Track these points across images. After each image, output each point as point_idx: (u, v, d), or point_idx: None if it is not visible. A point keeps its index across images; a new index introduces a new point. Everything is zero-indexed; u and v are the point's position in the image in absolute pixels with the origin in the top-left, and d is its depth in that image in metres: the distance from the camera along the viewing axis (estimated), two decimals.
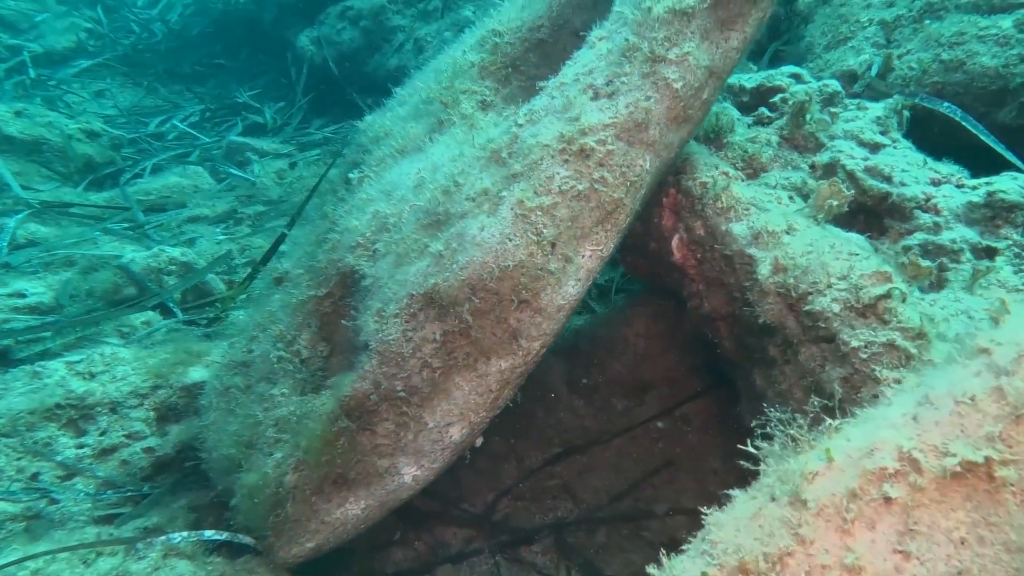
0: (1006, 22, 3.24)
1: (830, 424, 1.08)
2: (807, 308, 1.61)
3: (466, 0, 7.46)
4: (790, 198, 2.19)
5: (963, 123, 2.62)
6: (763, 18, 2.05)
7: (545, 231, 1.87)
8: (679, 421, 3.16)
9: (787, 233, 1.87)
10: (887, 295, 1.49)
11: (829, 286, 1.60)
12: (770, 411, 1.14)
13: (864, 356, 1.46)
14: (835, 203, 1.93)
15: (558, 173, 1.91)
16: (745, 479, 2.90)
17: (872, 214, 2.41)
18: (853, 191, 2.46)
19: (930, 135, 2.94)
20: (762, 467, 1.13)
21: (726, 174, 2.20)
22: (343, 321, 2.34)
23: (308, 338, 2.58)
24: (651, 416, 3.16)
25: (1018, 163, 2.35)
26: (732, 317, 2.17)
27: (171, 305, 4.44)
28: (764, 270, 1.80)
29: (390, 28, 8.02)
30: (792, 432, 1.09)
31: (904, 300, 1.50)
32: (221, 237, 5.82)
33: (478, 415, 2.03)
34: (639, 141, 1.94)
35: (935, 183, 2.41)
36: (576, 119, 1.97)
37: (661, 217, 2.32)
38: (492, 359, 1.97)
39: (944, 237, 2.20)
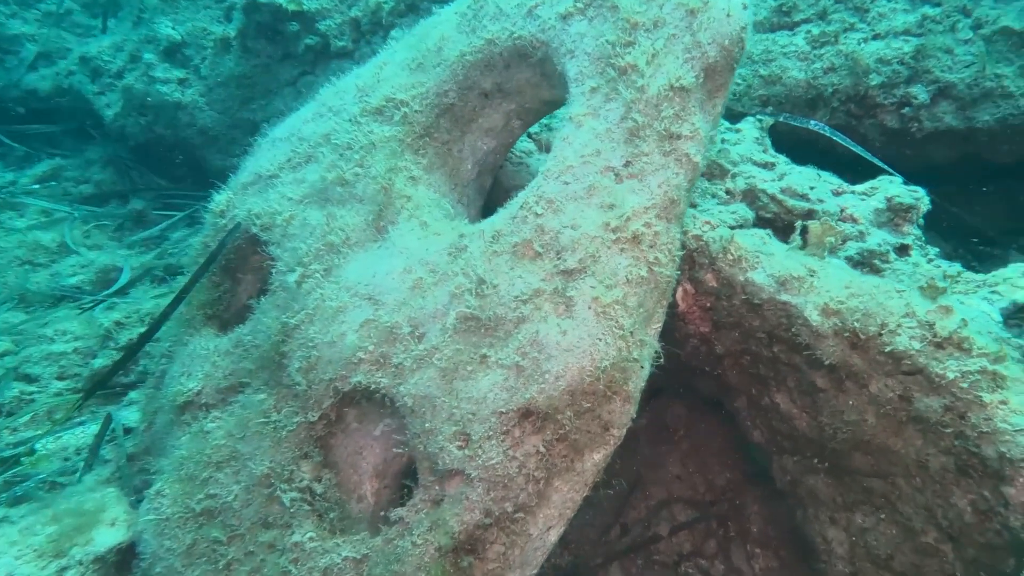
0: (799, 39, 3.84)
1: None
2: (888, 349, 1.85)
3: (158, 13, 6.74)
4: (768, 235, 2.44)
5: (833, 137, 3.10)
6: (732, 80, 2.25)
7: (625, 323, 1.91)
8: (628, 439, 3.35)
9: (811, 276, 2.10)
10: (962, 324, 1.79)
11: (899, 325, 1.86)
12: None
13: (965, 385, 1.73)
14: (832, 239, 2.21)
15: (620, 263, 1.95)
16: (708, 473, 3.14)
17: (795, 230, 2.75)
18: (777, 209, 2.81)
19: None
20: None
21: (709, 222, 2.40)
22: (394, 449, 2.15)
23: (311, 469, 2.32)
24: None
25: (889, 170, 2.86)
26: (741, 352, 2.39)
27: None
28: (814, 315, 2.02)
29: (10, 37, 7.02)
30: None
31: (969, 327, 1.81)
32: None
33: (573, 510, 2.02)
34: (674, 216, 2.05)
35: (837, 194, 2.83)
36: (612, 205, 2.02)
37: None
38: (587, 454, 1.97)
39: (871, 242, 2.62)
